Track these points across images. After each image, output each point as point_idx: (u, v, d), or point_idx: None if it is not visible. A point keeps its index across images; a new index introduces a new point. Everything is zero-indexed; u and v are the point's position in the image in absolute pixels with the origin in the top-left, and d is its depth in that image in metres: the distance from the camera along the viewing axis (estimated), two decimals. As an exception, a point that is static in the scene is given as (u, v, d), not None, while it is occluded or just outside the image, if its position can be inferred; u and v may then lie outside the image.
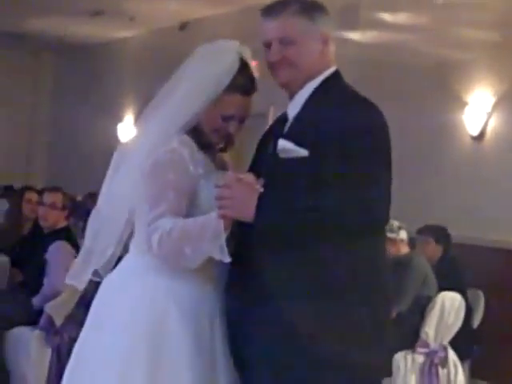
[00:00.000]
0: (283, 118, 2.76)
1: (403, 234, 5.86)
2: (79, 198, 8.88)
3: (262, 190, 2.53)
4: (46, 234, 5.90)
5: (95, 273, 2.86)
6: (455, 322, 5.78)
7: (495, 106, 7.12)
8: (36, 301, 5.55)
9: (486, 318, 6.36)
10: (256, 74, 2.85)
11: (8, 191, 8.89)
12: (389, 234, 5.68)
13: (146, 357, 2.64)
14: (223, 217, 2.54)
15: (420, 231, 6.47)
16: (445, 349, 5.77)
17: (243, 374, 2.69)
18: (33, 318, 5.52)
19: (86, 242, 2.87)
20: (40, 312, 5.48)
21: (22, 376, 5.44)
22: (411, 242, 6.13)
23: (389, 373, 2.77)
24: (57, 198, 5.88)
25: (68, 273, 2.94)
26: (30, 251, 5.91)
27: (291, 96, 2.74)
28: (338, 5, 7.86)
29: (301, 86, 2.70)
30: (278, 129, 2.74)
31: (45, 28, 11.83)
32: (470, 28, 7.34)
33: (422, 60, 7.69)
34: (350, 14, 8.22)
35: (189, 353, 2.65)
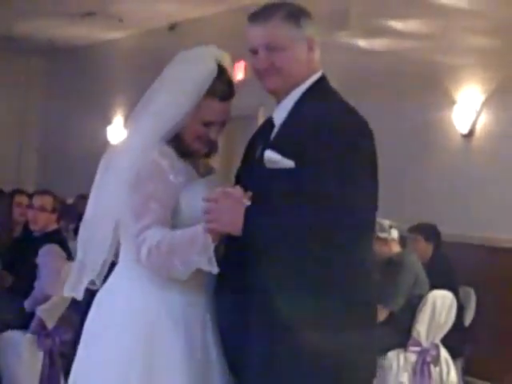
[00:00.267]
0: (270, 123, 2.76)
1: (394, 233, 5.87)
2: (70, 201, 8.86)
3: (249, 203, 2.55)
4: (36, 237, 5.88)
5: (91, 281, 2.88)
6: (447, 321, 5.79)
7: (484, 104, 7.14)
8: (27, 304, 5.54)
9: (478, 316, 6.38)
10: (234, 78, 2.86)
11: (-2, 194, 8.86)
12: (380, 234, 5.69)
13: (140, 366, 2.65)
14: (211, 231, 2.56)
15: (410, 230, 6.50)
16: (437, 347, 5.78)
17: (238, 378, 2.70)
18: (24, 321, 5.50)
19: (78, 254, 2.88)
20: (31, 315, 5.47)
21: (13, 379, 5.43)
22: (402, 241, 6.15)
23: (373, 374, 2.77)
24: (46, 201, 5.87)
25: (62, 280, 2.95)
26: (21, 254, 5.89)
27: (278, 101, 2.73)
28: (326, 10, 7.89)
29: (287, 92, 2.69)
30: (264, 134, 2.74)
31: (34, 30, 11.81)
32: (460, 32, 7.35)
33: (410, 62, 7.70)
34: (339, 19, 8.23)
35: (181, 360, 2.67)
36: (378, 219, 5.57)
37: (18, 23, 11.46)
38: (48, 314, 5.40)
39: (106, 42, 12.38)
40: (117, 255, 2.89)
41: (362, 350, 2.62)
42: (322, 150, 2.49)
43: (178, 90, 2.76)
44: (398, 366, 5.62)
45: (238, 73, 8.33)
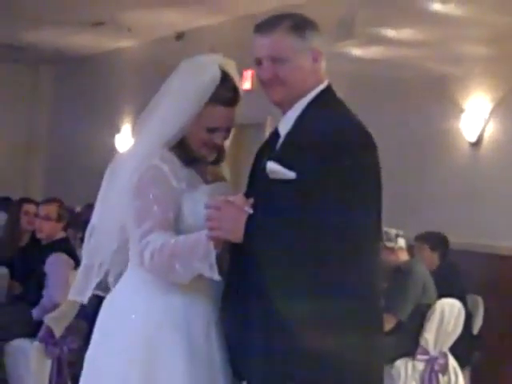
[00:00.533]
0: (276, 134, 2.77)
1: (401, 242, 5.87)
2: (78, 209, 8.88)
3: (251, 211, 2.56)
4: (44, 245, 5.90)
5: (98, 286, 2.91)
6: (455, 329, 5.78)
7: (492, 112, 7.13)
8: (35, 312, 5.55)
9: (486, 324, 6.36)
10: (241, 86, 2.88)
11: (5, 203, 8.88)
12: (387, 243, 5.69)
13: (139, 371, 2.68)
14: (212, 238, 2.57)
15: (416, 238, 6.48)
16: (445, 356, 5.76)
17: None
18: (32, 329, 5.52)
19: (84, 258, 2.92)
20: (39, 324, 5.48)
21: (22, 388, 5.44)
22: (410, 250, 6.14)
23: (381, 383, 2.77)
24: (50, 210, 5.88)
25: (70, 288, 2.99)
26: (29, 263, 5.91)
27: (283, 112, 2.74)
28: (331, 19, 7.90)
29: (292, 103, 2.70)
30: (270, 145, 2.76)
31: (42, 40, 11.85)
32: (467, 40, 7.35)
33: (417, 71, 7.70)
34: (344, 28, 8.23)
35: (183, 363, 2.68)
36: (385, 228, 5.57)
37: (26, 33, 11.50)
38: (56, 322, 5.41)
39: (113, 51, 12.42)
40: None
41: (369, 359, 2.62)
42: (323, 162, 2.50)
43: (181, 96, 2.78)
44: (405, 375, 5.60)
45: (246, 82, 8.35)
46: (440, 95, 7.44)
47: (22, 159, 13.80)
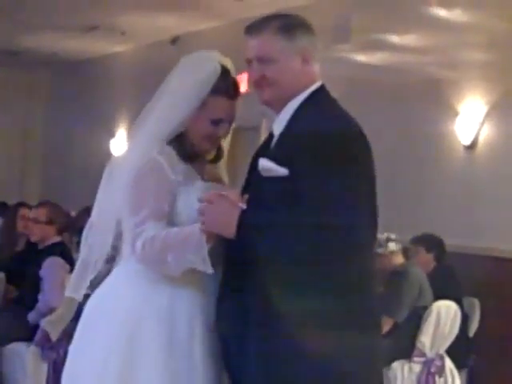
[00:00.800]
0: (271, 134, 2.78)
1: (392, 247, 5.86)
2: (73, 213, 8.88)
3: (244, 207, 2.57)
4: (40, 249, 5.90)
5: (91, 286, 2.93)
6: (451, 331, 5.79)
7: (487, 116, 7.14)
8: (31, 317, 5.55)
9: (482, 326, 6.37)
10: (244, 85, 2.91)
11: (1, 207, 8.89)
12: (377, 249, 5.68)
13: (117, 364, 2.68)
14: (205, 232, 2.58)
15: (412, 241, 6.49)
16: (441, 358, 5.77)
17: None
18: (28, 333, 5.51)
19: (82, 255, 2.94)
20: (36, 327, 5.47)
21: (18, 392, 5.44)
22: (406, 253, 6.15)
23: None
24: (40, 213, 5.89)
25: (66, 287, 3.01)
26: (25, 267, 5.91)
27: (277, 113, 2.75)
28: (328, 24, 7.91)
29: (284, 104, 2.71)
30: (265, 146, 2.77)
31: (37, 44, 11.85)
32: (462, 45, 7.36)
33: (413, 75, 7.71)
34: (341, 33, 8.24)
35: (163, 357, 2.68)
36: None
37: (21, 37, 11.50)
38: (52, 326, 5.41)
39: (109, 56, 12.42)
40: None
41: (367, 361, 2.61)
42: (315, 160, 2.51)
43: (181, 90, 2.81)
44: (402, 377, 5.61)
45: (241, 85, 8.34)
46: (436, 98, 7.46)
47: (18, 164, 13.79)
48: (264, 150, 2.73)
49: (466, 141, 7.24)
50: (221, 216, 2.57)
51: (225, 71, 2.85)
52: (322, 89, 2.74)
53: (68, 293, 2.99)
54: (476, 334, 6.35)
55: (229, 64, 2.90)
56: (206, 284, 2.76)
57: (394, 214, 6.45)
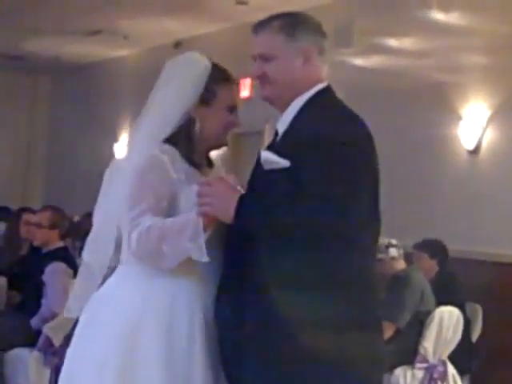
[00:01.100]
0: (276, 134, 2.78)
1: (393, 252, 5.84)
2: (77, 218, 8.88)
3: (242, 191, 2.59)
4: (42, 254, 5.90)
5: None
6: (454, 337, 5.77)
7: (490, 120, 7.14)
8: (34, 322, 5.55)
9: (485, 331, 6.36)
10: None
11: (5, 212, 8.89)
12: (378, 255, 5.66)
13: (116, 364, 2.67)
14: (203, 215, 2.58)
15: (415, 247, 6.47)
16: (444, 363, 5.76)
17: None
18: (31, 338, 5.51)
19: (85, 256, 2.92)
20: (38, 333, 5.47)
21: (21, 397, 5.44)
22: (408, 258, 6.13)
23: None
24: (42, 217, 5.89)
25: (68, 292, 3.00)
26: (28, 272, 5.91)
27: (281, 112, 2.76)
28: (329, 27, 7.91)
29: (286, 103, 2.72)
30: (270, 145, 2.77)
31: (40, 48, 11.87)
32: (465, 49, 7.37)
33: (416, 79, 7.72)
34: (342, 36, 8.24)
35: (161, 357, 2.67)
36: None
37: (24, 41, 11.52)
38: (55, 331, 5.40)
39: (111, 60, 12.43)
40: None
41: (369, 361, 2.59)
42: (318, 153, 2.51)
43: (177, 85, 2.84)
44: (405, 383, 5.60)
45: (244, 90, 8.36)
46: (439, 103, 7.46)
47: (22, 168, 13.80)
48: (268, 148, 2.74)
49: (470, 145, 7.23)
50: (219, 198, 2.57)
51: (214, 63, 2.89)
52: (327, 89, 2.74)
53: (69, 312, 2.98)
54: (478, 339, 6.35)
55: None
56: (206, 278, 2.74)
57: (396, 218, 6.45)
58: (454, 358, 5.82)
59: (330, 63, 2.77)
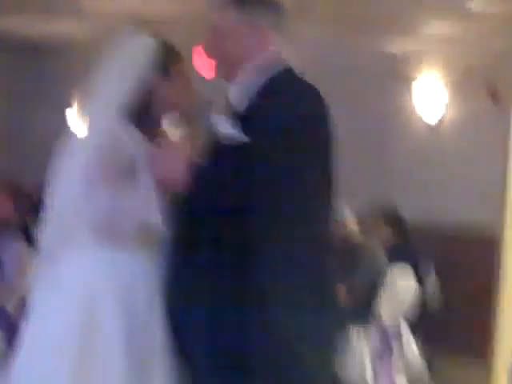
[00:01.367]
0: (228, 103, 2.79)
1: (347, 213, 5.92)
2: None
3: (198, 160, 2.58)
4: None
5: None
6: (407, 297, 5.90)
7: (449, 93, 7.22)
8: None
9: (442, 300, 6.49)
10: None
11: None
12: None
13: (77, 337, 2.65)
14: (153, 176, 2.62)
15: (372, 212, 6.53)
16: (397, 322, 5.88)
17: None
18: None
19: (43, 244, 2.87)
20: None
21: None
22: (362, 222, 6.18)
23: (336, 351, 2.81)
24: None
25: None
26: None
27: (227, 81, 2.78)
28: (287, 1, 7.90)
29: (233, 72, 2.75)
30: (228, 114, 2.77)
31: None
32: (424, 19, 7.42)
33: (375, 52, 7.77)
34: (298, 10, 8.23)
35: (120, 339, 2.66)
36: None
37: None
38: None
39: (66, 38, 12.35)
40: None
41: (322, 328, 2.62)
42: (273, 126, 2.54)
43: (124, 65, 2.86)
44: (359, 343, 5.68)
45: (210, 71, 8.28)
46: (397, 77, 7.49)
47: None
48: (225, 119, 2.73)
49: (429, 118, 7.31)
50: (169, 160, 2.60)
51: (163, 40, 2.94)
52: (287, 66, 2.76)
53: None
54: (431, 301, 6.47)
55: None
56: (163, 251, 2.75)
57: (352, 185, 6.53)
58: (407, 316, 5.94)
59: (286, 38, 2.84)
